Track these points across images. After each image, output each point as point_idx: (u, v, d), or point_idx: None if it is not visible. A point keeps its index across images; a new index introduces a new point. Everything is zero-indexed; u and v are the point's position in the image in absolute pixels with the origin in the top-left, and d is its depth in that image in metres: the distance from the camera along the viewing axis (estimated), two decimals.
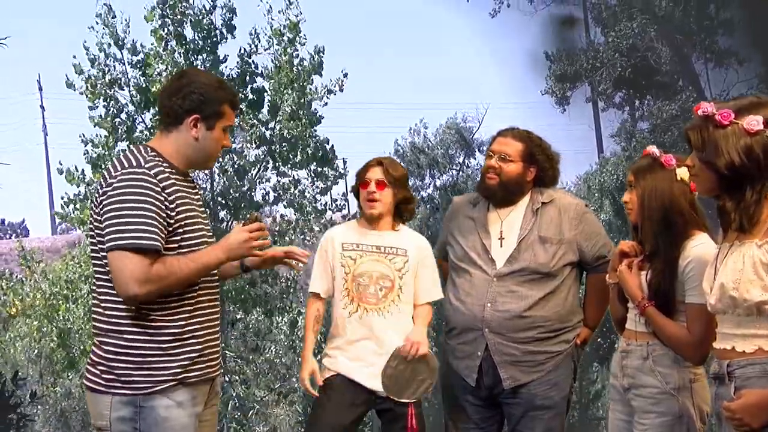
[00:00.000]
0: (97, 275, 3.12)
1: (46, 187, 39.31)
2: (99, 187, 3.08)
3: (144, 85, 16.14)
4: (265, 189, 17.76)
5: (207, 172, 17.08)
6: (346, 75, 17.34)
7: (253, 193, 17.32)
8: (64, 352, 18.51)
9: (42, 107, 39.81)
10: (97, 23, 16.49)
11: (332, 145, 17.29)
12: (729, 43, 20.20)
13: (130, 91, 16.54)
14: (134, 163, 3.05)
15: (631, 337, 3.46)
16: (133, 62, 16.56)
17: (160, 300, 3.04)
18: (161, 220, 3.01)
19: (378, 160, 4.12)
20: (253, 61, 16.90)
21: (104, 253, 3.02)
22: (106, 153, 16.01)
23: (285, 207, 17.87)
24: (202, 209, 3.28)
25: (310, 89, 16.99)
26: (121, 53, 16.61)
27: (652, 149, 3.49)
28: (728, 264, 2.73)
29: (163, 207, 3.02)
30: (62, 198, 17.04)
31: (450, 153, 24.15)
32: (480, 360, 3.94)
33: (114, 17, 16.47)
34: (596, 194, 20.20)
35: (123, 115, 16.49)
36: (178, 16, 16.32)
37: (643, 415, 3.38)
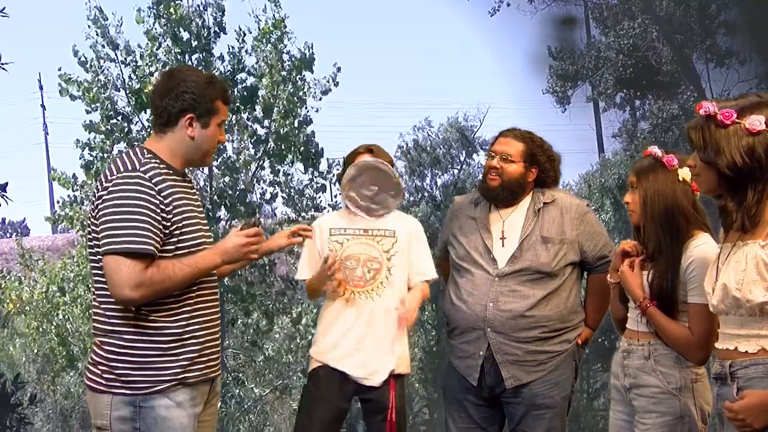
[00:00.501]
0: (95, 277, 3.13)
1: (47, 186, 39.32)
2: (96, 191, 3.09)
3: (138, 86, 16.16)
4: (262, 188, 17.81)
5: (206, 172, 17.10)
6: (339, 69, 17.37)
7: (250, 192, 17.35)
8: (63, 351, 18.52)
9: (43, 106, 39.80)
10: (89, 26, 16.49)
11: (317, 142, 17.33)
12: (730, 43, 20.20)
13: (126, 92, 16.55)
14: (129, 167, 3.05)
15: (633, 337, 3.45)
16: (127, 62, 16.57)
17: (160, 301, 3.05)
18: (156, 224, 3.01)
19: (367, 147, 4.14)
20: (243, 60, 16.92)
21: (101, 257, 3.03)
22: (103, 155, 16.02)
23: (283, 204, 17.89)
24: (201, 209, 3.27)
25: (302, 85, 17.02)
26: (115, 54, 16.61)
27: (654, 150, 3.48)
28: (730, 264, 2.72)
29: (159, 210, 3.02)
30: (58, 202, 17.10)
31: (451, 152, 24.17)
32: (482, 359, 3.94)
33: (106, 19, 16.47)
34: (597, 194, 20.22)
35: (119, 117, 16.50)
36: (171, 16, 16.33)
37: (645, 414, 3.37)
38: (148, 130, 15.83)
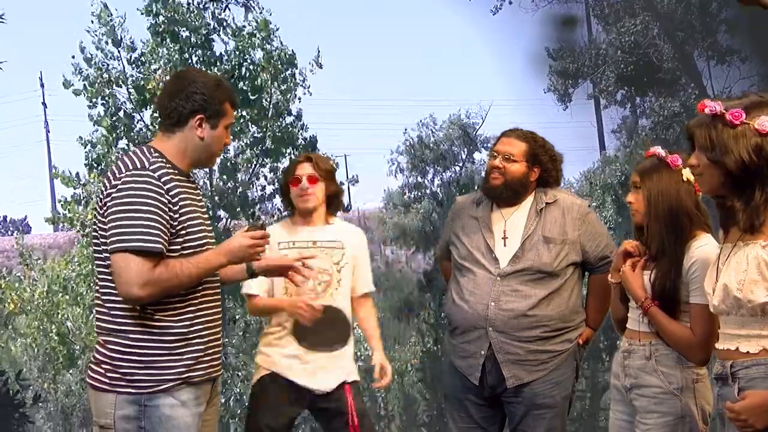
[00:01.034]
0: (100, 276, 3.13)
1: (48, 184, 39.34)
2: (103, 189, 3.09)
3: (141, 83, 16.17)
4: (261, 186, 17.83)
5: (207, 172, 17.12)
6: (319, 52, 17.44)
7: (249, 192, 17.37)
8: (64, 350, 18.52)
9: (44, 104, 39.83)
10: (92, 22, 16.51)
11: (314, 135, 17.39)
12: (731, 41, 20.18)
13: (128, 89, 16.56)
14: (138, 165, 3.06)
15: (634, 337, 3.45)
16: (131, 59, 16.59)
17: (165, 300, 3.06)
18: (165, 223, 3.02)
19: (306, 156, 4.21)
20: (238, 61, 16.95)
21: (107, 255, 3.03)
22: (106, 152, 16.03)
23: (282, 202, 17.88)
24: (204, 210, 3.29)
25: (291, 80, 17.08)
26: (119, 51, 16.63)
27: (658, 150, 3.47)
28: (731, 265, 2.72)
29: (167, 209, 3.03)
30: (59, 201, 17.10)
31: (453, 149, 24.20)
32: (483, 359, 3.95)
33: (110, 15, 16.49)
34: (598, 191, 20.21)
35: (121, 114, 16.52)
36: (171, 13, 16.34)
37: (646, 415, 3.37)
38: (150, 127, 15.85)
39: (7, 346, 21.52)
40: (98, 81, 16.33)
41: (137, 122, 16.61)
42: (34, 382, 19.43)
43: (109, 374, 3.07)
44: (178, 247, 3.08)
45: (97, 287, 3.16)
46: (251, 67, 16.88)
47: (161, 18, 16.33)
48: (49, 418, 21.36)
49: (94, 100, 16.38)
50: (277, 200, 17.86)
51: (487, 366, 3.95)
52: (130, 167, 3.05)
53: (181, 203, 3.08)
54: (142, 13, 16.42)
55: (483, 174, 4.27)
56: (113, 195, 3.02)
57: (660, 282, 3.34)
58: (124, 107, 16.56)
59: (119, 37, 16.53)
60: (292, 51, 17.09)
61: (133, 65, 16.58)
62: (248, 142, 17.27)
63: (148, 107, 16.03)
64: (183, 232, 3.09)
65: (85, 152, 16.35)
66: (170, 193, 3.05)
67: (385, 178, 27.54)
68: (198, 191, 3.31)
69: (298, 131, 17.10)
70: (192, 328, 3.11)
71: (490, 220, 4.05)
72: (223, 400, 16.27)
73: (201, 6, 16.67)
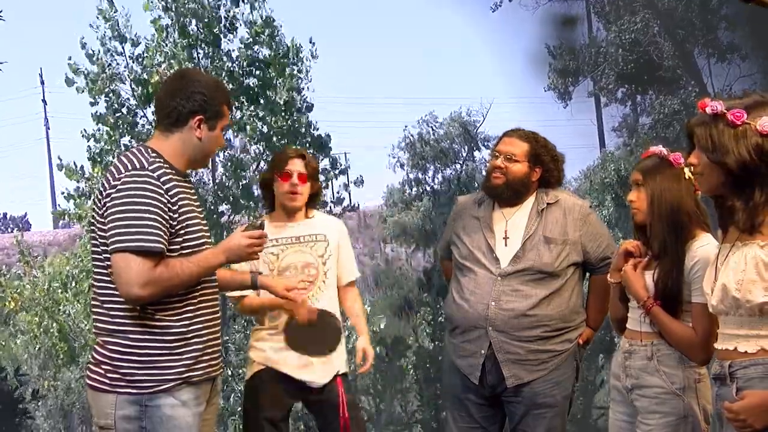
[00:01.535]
0: (98, 276, 3.13)
1: (48, 181, 39.34)
2: (102, 189, 3.08)
3: (144, 78, 16.16)
4: None
5: (209, 166, 17.12)
6: (313, 43, 17.49)
7: (253, 188, 17.36)
8: (65, 347, 18.52)
9: (44, 101, 39.83)
10: (97, 18, 16.50)
11: (327, 134, 17.43)
12: (731, 38, 20.18)
13: (131, 85, 16.56)
14: (138, 165, 3.05)
15: (635, 338, 3.44)
16: (134, 55, 16.59)
17: (165, 300, 3.06)
18: (164, 222, 3.02)
19: (299, 152, 4.20)
20: (248, 57, 16.96)
21: (107, 255, 3.03)
22: (109, 148, 16.04)
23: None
24: (200, 209, 3.29)
25: (297, 75, 17.11)
26: (122, 47, 16.64)
27: (659, 149, 3.46)
28: (730, 265, 2.72)
29: (166, 209, 3.03)
30: (62, 194, 17.10)
31: (454, 147, 24.19)
32: (483, 358, 3.95)
33: (115, 11, 16.49)
34: (598, 189, 20.21)
35: (124, 110, 16.52)
36: (182, 9, 16.34)
37: (648, 415, 3.37)
38: (153, 124, 15.85)
39: (8, 343, 21.53)
40: (101, 77, 16.34)
41: (140, 118, 16.61)
42: (34, 379, 19.44)
43: (109, 375, 3.07)
44: (177, 246, 3.08)
45: (95, 287, 3.15)
46: (257, 63, 16.91)
47: (170, 12, 16.32)
48: (49, 415, 21.39)
49: (96, 97, 16.39)
50: None
51: (487, 365, 3.95)
52: (129, 167, 3.05)
53: (180, 203, 3.08)
54: (146, 10, 16.42)
55: (484, 172, 4.27)
56: (113, 195, 3.02)
57: (662, 281, 3.33)
58: (127, 104, 16.57)
59: (123, 34, 16.54)
60: (299, 44, 17.14)
61: (137, 61, 16.59)
62: (255, 138, 17.28)
63: (152, 104, 16.05)
64: (182, 231, 3.09)
65: (88, 146, 16.38)
66: (169, 193, 3.05)
67: (385, 177, 27.55)
68: (194, 191, 3.31)
69: (306, 128, 17.09)
70: (191, 328, 3.10)
71: (492, 220, 4.05)
72: (222, 402, 16.29)
73: (214, 2, 16.69)
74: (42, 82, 39.57)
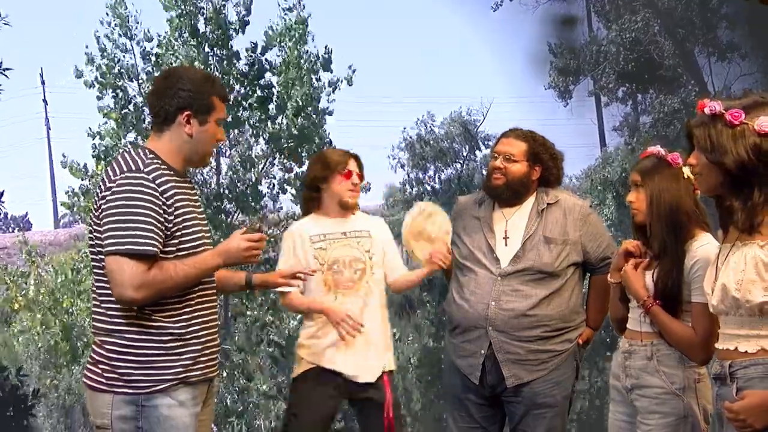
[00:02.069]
0: (96, 276, 3.13)
1: (49, 181, 39.32)
2: (99, 191, 3.09)
3: (153, 77, 16.17)
4: (270, 183, 17.81)
5: (214, 165, 17.10)
6: (354, 71, 17.45)
7: (259, 187, 17.36)
8: (67, 346, 18.52)
9: (45, 101, 39.80)
10: (107, 14, 16.53)
11: (331, 140, 17.38)
12: (731, 37, 20.17)
13: (139, 83, 16.57)
14: (133, 167, 3.05)
15: (635, 338, 3.45)
16: (144, 52, 16.61)
17: (162, 301, 3.05)
18: (159, 225, 3.01)
19: (353, 154, 4.27)
20: (263, 57, 16.96)
21: (103, 256, 3.03)
22: (115, 144, 16.04)
23: (292, 201, 17.91)
24: (201, 210, 3.28)
25: (318, 85, 17.08)
26: (131, 44, 16.66)
27: (657, 149, 3.47)
28: (729, 265, 2.72)
29: (161, 211, 3.02)
30: (66, 192, 17.09)
31: (454, 146, 24.17)
32: (483, 358, 3.95)
33: (126, 8, 16.52)
34: (599, 188, 20.20)
35: (131, 107, 16.52)
36: (192, 9, 16.35)
37: (647, 415, 3.37)
38: None
39: (10, 343, 21.53)
40: (109, 73, 16.36)
41: (147, 115, 16.61)
42: (36, 379, 19.44)
43: (106, 374, 3.07)
44: (174, 248, 3.08)
45: (94, 288, 3.16)
46: (268, 66, 16.91)
47: (182, 11, 16.32)
48: (51, 415, 21.40)
49: (104, 92, 16.40)
50: (284, 198, 17.88)
51: (487, 365, 3.95)
52: (125, 169, 3.05)
53: (176, 204, 3.07)
54: (167, 5, 16.42)
55: (484, 172, 4.28)
56: (108, 198, 3.02)
57: (662, 281, 3.33)
58: (134, 100, 16.58)
59: (133, 31, 16.55)
60: (329, 56, 17.10)
61: (146, 59, 16.61)
62: (265, 137, 17.28)
63: None
64: (178, 233, 3.08)
65: (93, 144, 16.39)
66: (165, 195, 3.04)
67: (385, 177, 27.50)
68: (195, 191, 3.31)
69: (315, 134, 17.04)
70: (189, 329, 3.10)
71: (492, 220, 4.06)
72: (222, 396, 16.29)
73: (223, 3, 16.68)
74: (42, 82, 39.53)
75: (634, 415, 3.43)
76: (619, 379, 3.49)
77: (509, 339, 3.92)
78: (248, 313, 17.57)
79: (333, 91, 17.37)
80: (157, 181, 3.04)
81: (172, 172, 3.13)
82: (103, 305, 3.10)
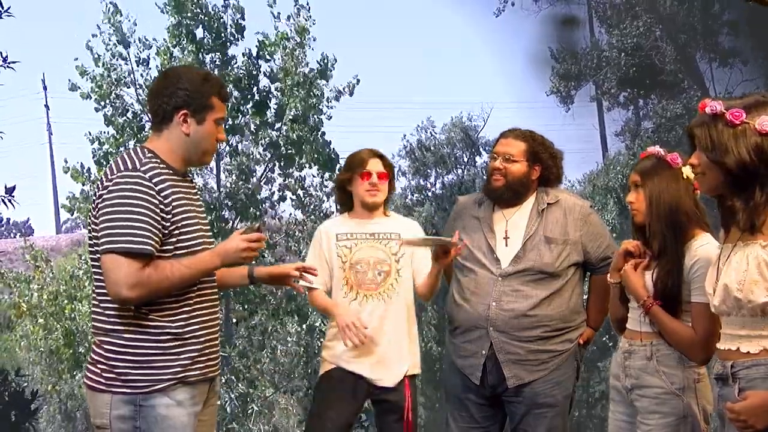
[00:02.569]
0: (96, 276, 3.13)
1: (51, 187, 39.31)
2: (96, 190, 3.09)
3: (149, 83, 16.18)
4: (270, 189, 17.83)
5: (214, 172, 17.09)
6: (358, 81, 17.45)
7: (258, 195, 17.36)
8: (69, 351, 18.51)
9: (46, 106, 39.79)
10: (103, 22, 16.54)
11: (333, 148, 17.39)
12: (733, 43, 20.20)
13: (135, 89, 16.59)
14: (130, 166, 3.05)
15: (635, 338, 3.44)
16: (140, 59, 16.62)
17: (161, 301, 3.05)
18: (155, 224, 3.01)
19: (376, 153, 4.22)
20: (260, 63, 16.98)
21: (100, 255, 3.04)
22: (115, 151, 16.06)
23: (292, 207, 17.94)
24: (202, 209, 3.28)
25: (316, 93, 17.06)
26: (127, 52, 16.67)
27: (656, 149, 3.48)
28: (731, 265, 2.71)
29: (158, 210, 3.02)
30: (67, 198, 17.10)
31: (455, 152, 24.16)
32: (484, 358, 3.95)
33: (120, 16, 16.53)
34: (601, 193, 20.20)
35: (129, 114, 16.54)
36: (190, 15, 16.37)
37: (647, 415, 3.37)
38: None
39: (13, 348, 21.52)
40: (105, 82, 16.36)
41: (146, 122, 16.64)
42: (38, 383, 19.43)
43: (105, 374, 3.06)
44: (171, 247, 3.07)
45: (94, 288, 3.16)
46: (266, 72, 16.93)
47: (181, 17, 16.33)
48: (53, 419, 21.39)
49: (102, 102, 16.40)
50: (286, 205, 17.88)
51: (487, 366, 3.95)
52: (122, 168, 3.05)
53: (174, 203, 3.07)
54: (162, 12, 16.45)
55: (485, 176, 4.27)
56: (104, 197, 3.02)
57: (662, 281, 3.33)
58: (131, 108, 16.59)
59: (128, 38, 16.56)
60: (326, 64, 17.07)
61: (142, 66, 16.62)
62: (263, 144, 17.29)
63: None
64: (176, 232, 3.08)
65: (93, 149, 16.39)
66: (162, 194, 3.04)
67: None
68: (195, 190, 3.30)
69: (314, 141, 17.02)
70: (188, 329, 3.10)
71: (492, 220, 4.06)
72: (223, 401, 16.27)
73: (221, 8, 16.71)
74: (45, 87, 39.54)
75: (633, 415, 3.43)
76: (619, 379, 3.49)
77: (510, 339, 3.92)
78: (250, 320, 17.58)
79: (336, 99, 17.38)
80: (154, 180, 3.03)
81: (170, 171, 3.12)
82: (102, 305, 3.10)
